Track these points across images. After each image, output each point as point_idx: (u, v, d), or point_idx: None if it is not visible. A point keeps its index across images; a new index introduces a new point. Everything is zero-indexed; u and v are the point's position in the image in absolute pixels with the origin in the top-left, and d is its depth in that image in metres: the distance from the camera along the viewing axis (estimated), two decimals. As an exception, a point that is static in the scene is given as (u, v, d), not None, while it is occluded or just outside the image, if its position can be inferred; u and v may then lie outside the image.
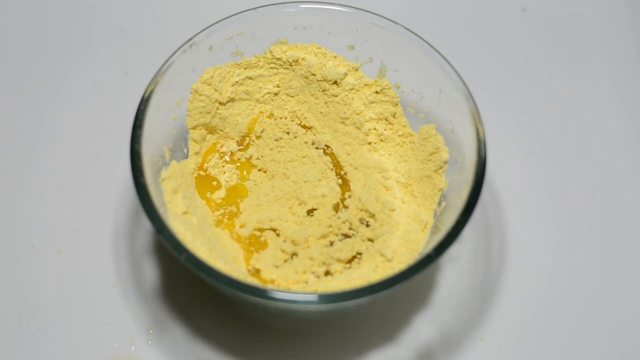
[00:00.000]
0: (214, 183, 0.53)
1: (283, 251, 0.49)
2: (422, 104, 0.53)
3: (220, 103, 0.53)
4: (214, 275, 0.43)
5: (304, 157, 0.53)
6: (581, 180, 0.58)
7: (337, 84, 0.54)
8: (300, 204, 0.51)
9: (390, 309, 0.52)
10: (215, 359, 0.50)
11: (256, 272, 0.49)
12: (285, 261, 0.49)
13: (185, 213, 0.48)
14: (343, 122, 0.54)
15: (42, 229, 0.54)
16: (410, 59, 0.52)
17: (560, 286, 0.54)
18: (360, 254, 0.49)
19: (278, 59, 0.53)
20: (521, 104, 0.62)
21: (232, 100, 0.53)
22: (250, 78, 0.53)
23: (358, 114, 0.54)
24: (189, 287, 0.52)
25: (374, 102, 0.54)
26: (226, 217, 0.51)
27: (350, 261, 0.49)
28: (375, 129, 0.54)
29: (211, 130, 0.53)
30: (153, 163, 0.48)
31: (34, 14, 0.65)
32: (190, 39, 0.51)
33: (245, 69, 0.53)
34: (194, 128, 0.52)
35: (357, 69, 0.54)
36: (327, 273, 0.48)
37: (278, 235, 0.50)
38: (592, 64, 0.64)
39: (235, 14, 0.52)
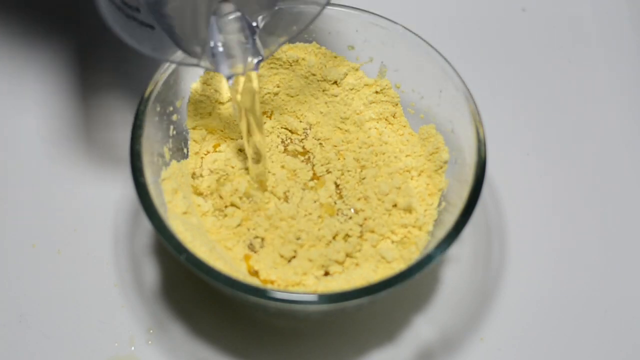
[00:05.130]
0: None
1: (283, 252, 0.49)
2: (422, 104, 0.53)
3: (220, 103, 0.53)
4: (214, 275, 0.43)
5: (304, 157, 0.53)
6: (581, 180, 0.58)
7: (337, 84, 0.54)
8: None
9: (390, 309, 0.52)
10: (215, 359, 0.50)
11: (255, 273, 0.49)
12: (285, 262, 0.49)
13: (185, 213, 0.48)
14: (343, 122, 0.54)
15: (42, 229, 0.54)
16: (410, 59, 0.52)
17: (560, 286, 0.54)
18: (360, 254, 0.49)
19: (278, 59, 0.53)
20: (521, 104, 0.62)
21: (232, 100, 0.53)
22: (251, 78, 0.53)
23: (358, 114, 0.54)
24: (189, 287, 0.52)
25: (374, 102, 0.54)
26: (226, 217, 0.51)
27: (350, 262, 0.49)
28: (375, 128, 0.54)
29: (211, 130, 0.53)
30: (153, 163, 0.48)
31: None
32: (190, 39, 0.51)
33: (245, 69, 0.53)
34: (194, 128, 0.52)
35: (357, 69, 0.54)
36: (326, 274, 0.48)
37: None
38: (592, 65, 0.64)
39: (235, 14, 0.52)
